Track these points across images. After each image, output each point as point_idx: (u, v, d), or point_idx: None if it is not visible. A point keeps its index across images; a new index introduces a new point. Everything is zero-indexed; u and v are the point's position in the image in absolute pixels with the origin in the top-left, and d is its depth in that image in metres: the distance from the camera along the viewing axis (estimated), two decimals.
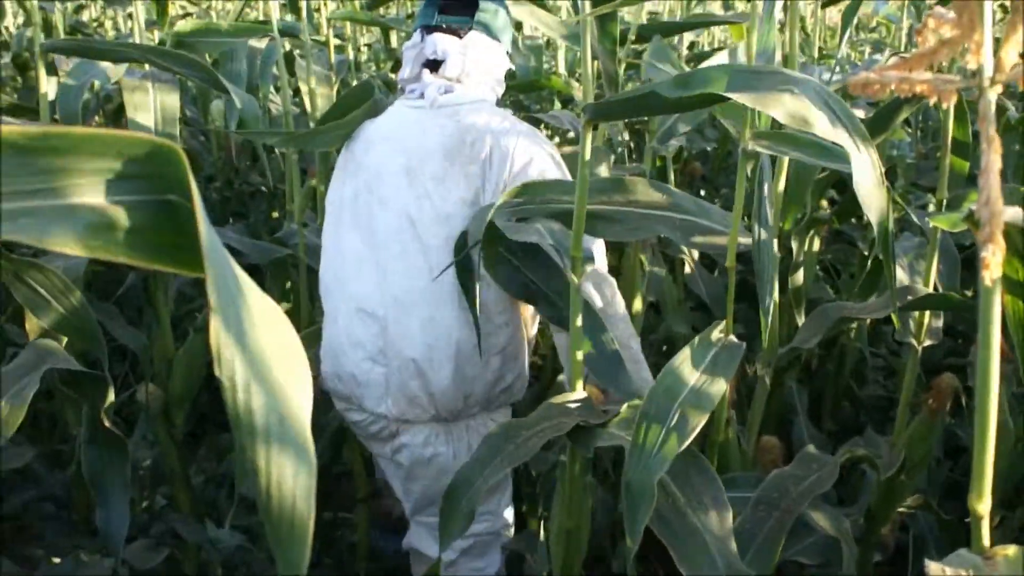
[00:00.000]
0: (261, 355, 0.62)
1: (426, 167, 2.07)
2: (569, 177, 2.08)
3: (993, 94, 0.68)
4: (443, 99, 2.12)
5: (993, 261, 0.61)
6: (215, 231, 0.63)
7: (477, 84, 2.15)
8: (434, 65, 2.14)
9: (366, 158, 2.17)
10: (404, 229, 2.07)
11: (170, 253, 0.65)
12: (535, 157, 2.05)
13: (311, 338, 2.30)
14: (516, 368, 2.15)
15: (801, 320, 2.44)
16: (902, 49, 3.40)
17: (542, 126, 3.51)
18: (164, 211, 0.65)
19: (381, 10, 4.24)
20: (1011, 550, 0.81)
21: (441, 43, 2.11)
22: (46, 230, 0.60)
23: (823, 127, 1.26)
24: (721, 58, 2.41)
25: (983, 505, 0.72)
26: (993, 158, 0.65)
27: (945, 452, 2.78)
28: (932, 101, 0.71)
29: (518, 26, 4.35)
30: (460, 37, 2.12)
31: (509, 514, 2.27)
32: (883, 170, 1.42)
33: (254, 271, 2.68)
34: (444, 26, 2.13)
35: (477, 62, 2.13)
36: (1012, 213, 0.67)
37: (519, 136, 2.06)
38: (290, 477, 0.61)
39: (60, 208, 0.61)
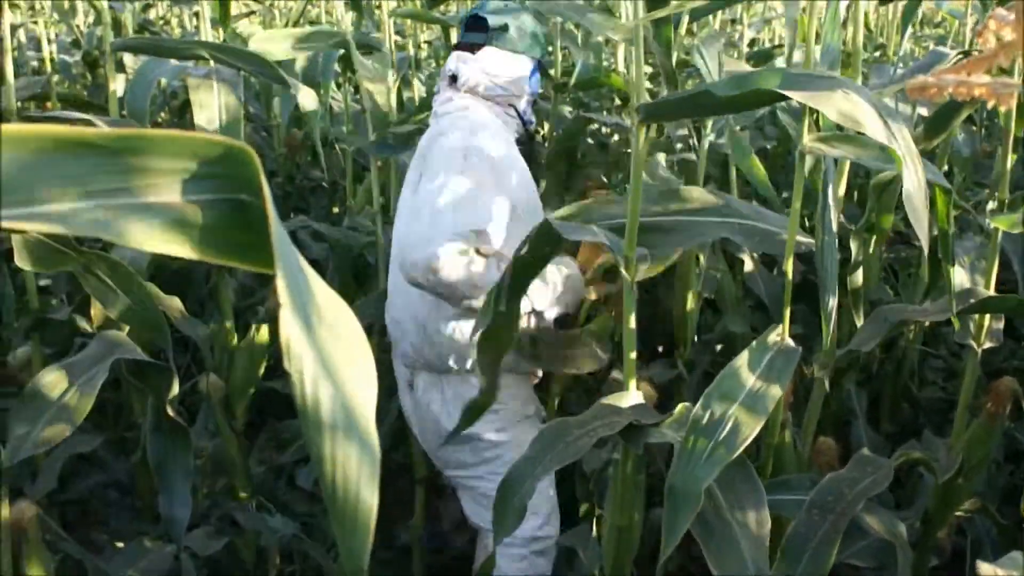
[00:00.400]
0: (329, 350, 0.64)
1: (414, 169, 2.38)
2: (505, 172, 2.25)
3: None
4: (441, 109, 2.39)
5: None
6: (284, 228, 0.66)
7: (488, 93, 2.37)
8: (454, 79, 2.37)
9: None
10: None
11: (241, 250, 0.67)
12: (441, 153, 2.25)
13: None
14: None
15: (860, 322, 2.42)
16: (967, 45, 3.34)
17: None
18: (237, 209, 0.67)
19: (442, 8, 4.27)
20: None
21: (455, 60, 2.39)
22: (125, 228, 0.62)
23: (874, 129, 1.26)
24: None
25: None
26: None
27: (1005, 456, 2.74)
28: (990, 104, 0.70)
29: (577, 23, 4.37)
30: (474, 52, 2.36)
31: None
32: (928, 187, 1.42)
33: (314, 263, 2.75)
34: (464, 43, 2.40)
35: (485, 73, 2.35)
36: None
37: (446, 137, 2.28)
38: (355, 468, 0.63)
39: (138, 206, 0.63)
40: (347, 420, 0.63)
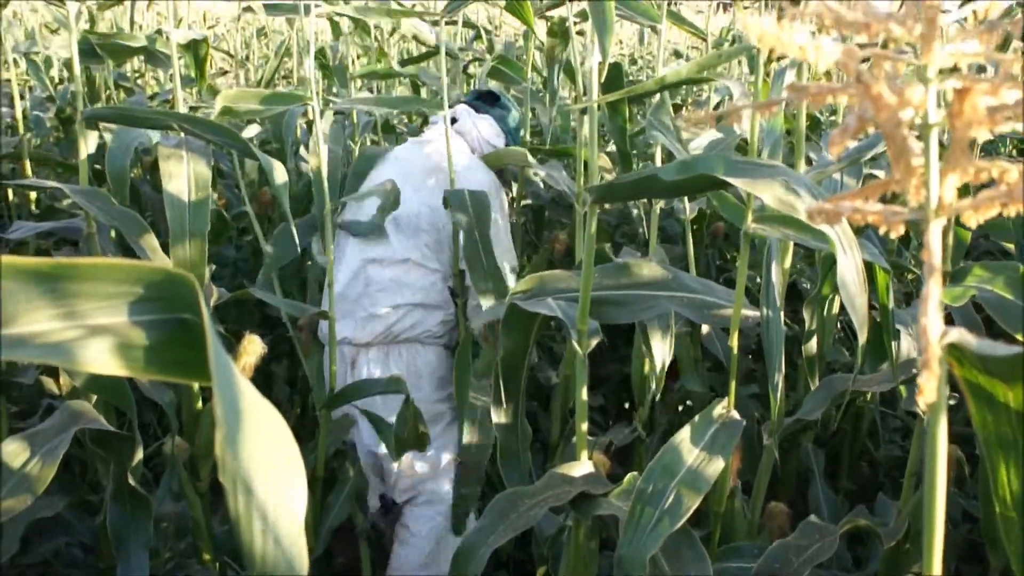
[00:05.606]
0: (261, 464, 0.68)
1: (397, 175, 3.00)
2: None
3: (937, 226, 0.74)
4: (435, 134, 3.10)
5: (927, 387, 0.66)
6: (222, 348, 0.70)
7: (469, 141, 3.08)
8: (454, 120, 3.06)
9: None
10: None
11: (183, 367, 0.72)
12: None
13: None
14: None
15: (814, 386, 2.48)
16: None
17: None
18: (179, 328, 0.72)
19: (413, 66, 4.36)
20: None
21: (464, 111, 3.12)
22: (73, 352, 0.67)
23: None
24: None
25: None
26: (932, 288, 0.71)
27: (963, 515, 2.78)
28: (882, 230, 0.76)
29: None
30: (478, 112, 3.15)
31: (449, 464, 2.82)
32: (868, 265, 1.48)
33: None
34: (472, 102, 3.20)
35: (476, 128, 3.10)
36: (957, 335, 0.73)
37: (472, 172, 2.94)
38: None
39: (85, 329, 0.68)
40: (276, 533, 0.67)
